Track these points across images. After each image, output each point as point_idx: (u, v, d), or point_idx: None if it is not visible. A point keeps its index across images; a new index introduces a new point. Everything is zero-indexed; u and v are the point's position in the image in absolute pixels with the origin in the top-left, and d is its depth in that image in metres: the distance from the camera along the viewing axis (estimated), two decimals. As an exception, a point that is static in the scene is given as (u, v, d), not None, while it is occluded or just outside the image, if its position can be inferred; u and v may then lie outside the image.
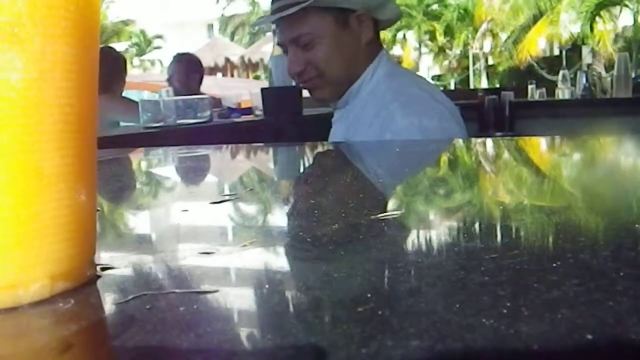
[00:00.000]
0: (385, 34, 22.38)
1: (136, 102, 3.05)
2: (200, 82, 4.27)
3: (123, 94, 3.71)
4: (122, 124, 3.28)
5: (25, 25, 0.31)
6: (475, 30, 23.80)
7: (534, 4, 20.25)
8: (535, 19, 20.63)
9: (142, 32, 31.31)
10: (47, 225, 0.33)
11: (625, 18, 20.76)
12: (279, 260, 0.43)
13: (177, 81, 4.08)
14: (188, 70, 4.19)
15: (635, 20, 19.59)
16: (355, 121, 1.61)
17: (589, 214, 0.52)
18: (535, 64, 19.77)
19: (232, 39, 29.65)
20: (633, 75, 4.40)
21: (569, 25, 20.08)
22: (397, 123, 1.49)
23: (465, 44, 24.70)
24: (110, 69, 3.41)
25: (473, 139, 1.33)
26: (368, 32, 1.64)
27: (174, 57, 4.36)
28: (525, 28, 20.87)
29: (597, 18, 18.79)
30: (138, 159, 1.38)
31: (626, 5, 19.60)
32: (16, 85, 0.31)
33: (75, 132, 0.34)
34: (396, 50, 26.10)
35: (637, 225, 0.43)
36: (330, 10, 1.60)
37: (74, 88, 0.33)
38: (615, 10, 20.40)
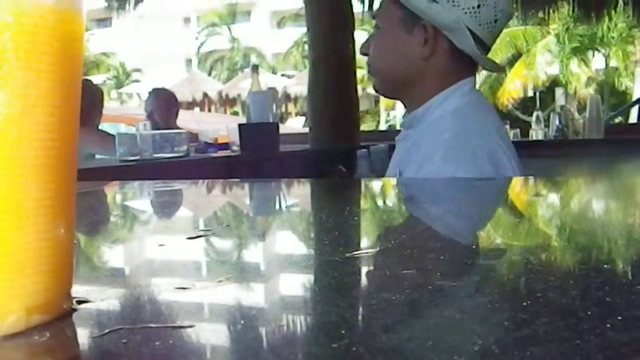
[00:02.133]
0: (362, 73, 22.57)
1: (112, 135, 3.04)
2: (176, 117, 4.29)
3: (100, 127, 3.71)
4: (97, 156, 3.27)
5: (9, 60, 0.31)
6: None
7: (512, 46, 20.54)
8: (512, 62, 20.94)
9: (122, 64, 31.34)
10: (24, 258, 0.33)
11: (598, 61, 21.16)
12: (254, 296, 0.43)
13: (154, 116, 4.09)
14: (164, 105, 4.20)
15: (606, 65, 19.96)
16: (411, 150, 1.53)
17: (559, 254, 0.53)
18: (510, 105, 20.03)
19: (210, 74, 29.73)
20: (605, 117, 4.47)
21: (543, 67, 20.41)
22: (434, 163, 1.41)
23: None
24: (88, 101, 3.39)
25: (447, 179, 1.34)
26: (438, 52, 1.53)
27: (150, 92, 4.38)
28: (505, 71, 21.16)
29: (571, 61, 19.11)
30: (114, 192, 1.38)
31: (598, 50, 19.98)
32: (-2, 119, 0.31)
33: (57, 167, 0.34)
34: (373, 89, 26.27)
35: (606, 266, 0.44)
36: (403, 8, 1.53)
37: (57, 123, 0.34)
38: (589, 54, 20.79)
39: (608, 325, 0.31)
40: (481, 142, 1.45)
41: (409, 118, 1.59)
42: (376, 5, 6.17)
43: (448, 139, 1.44)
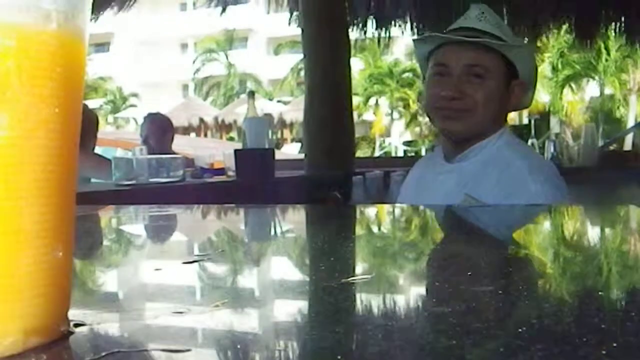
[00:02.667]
0: (357, 99, 22.66)
1: (108, 159, 3.04)
2: (172, 141, 4.29)
3: (96, 151, 3.71)
4: (93, 180, 3.27)
5: (12, 85, 0.32)
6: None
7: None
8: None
9: (119, 89, 31.42)
10: (22, 281, 0.33)
11: (592, 89, 21.26)
12: (250, 321, 0.43)
13: (150, 140, 4.09)
14: (160, 130, 4.21)
15: (601, 92, 20.06)
16: (474, 178, 1.65)
17: (554, 281, 0.54)
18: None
19: (206, 99, 29.82)
20: (599, 144, 4.49)
21: (538, 94, 20.50)
22: (529, 188, 1.57)
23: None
24: (83, 125, 3.40)
25: (442, 206, 1.34)
26: (515, 102, 1.77)
27: (146, 117, 4.39)
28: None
29: (565, 89, 19.21)
30: (109, 217, 1.38)
31: (593, 78, 20.08)
32: (0, 143, 0.32)
33: (56, 190, 0.34)
34: (368, 116, 26.41)
35: (600, 293, 0.45)
36: (508, 64, 1.70)
37: (57, 147, 0.34)
38: (583, 82, 20.89)
39: (603, 352, 0.31)
40: (540, 159, 1.77)
41: (466, 152, 1.72)
42: (370, 33, 6.21)
43: (533, 165, 1.65)
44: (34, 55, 0.33)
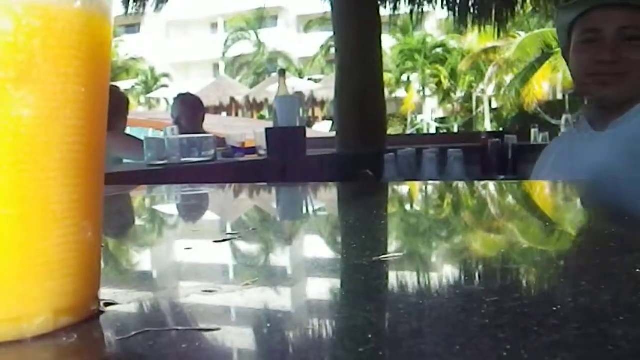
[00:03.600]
0: (388, 76, 22.56)
1: (139, 140, 3.07)
2: (203, 121, 4.31)
3: (128, 131, 3.73)
4: (125, 161, 3.30)
5: (38, 64, 0.32)
6: (480, 74, 23.97)
7: (539, 47, 20.41)
8: (540, 62, 20.78)
9: (150, 69, 31.58)
10: (52, 261, 0.33)
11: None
12: (280, 299, 0.43)
13: (181, 121, 4.11)
14: (191, 110, 4.23)
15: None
16: (634, 142, 1.58)
17: (590, 258, 0.53)
18: (538, 108, 19.88)
19: (237, 78, 29.86)
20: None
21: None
22: None
23: (470, 88, 24.88)
24: (114, 107, 3.42)
25: (477, 183, 1.33)
26: None
27: (176, 97, 4.41)
28: (530, 71, 21.00)
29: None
30: (142, 196, 1.39)
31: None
32: (27, 122, 0.32)
33: (84, 170, 0.34)
34: (400, 93, 26.29)
35: (637, 270, 0.44)
36: None
37: (84, 126, 0.34)
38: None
39: (640, 331, 0.31)
40: None
41: (626, 115, 1.63)
42: (402, 9, 6.16)
43: None
44: (59, 34, 0.32)
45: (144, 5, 6.11)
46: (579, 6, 1.70)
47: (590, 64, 1.65)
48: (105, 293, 0.40)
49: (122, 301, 0.40)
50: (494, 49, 22.37)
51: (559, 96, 20.55)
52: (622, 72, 1.61)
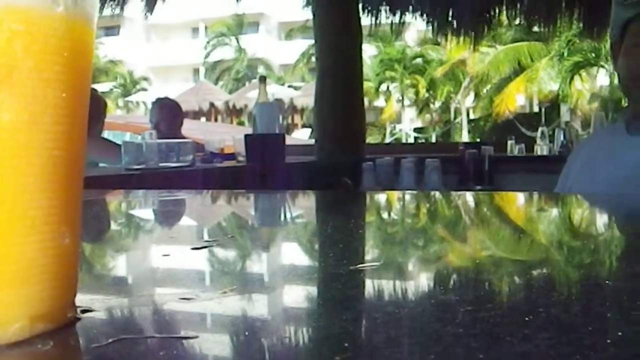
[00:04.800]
0: (368, 85, 22.65)
1: (116, 144, 3.05)
2: (181, 126, 4.30)
3: (105, 135, 3.72)
4: (101, 165, 3.27)
5: (19, 68, 0.31)
6: (458, 85, 24.14)
7: (515, 60, 20.57)
8: (517, 74, 20.96)
9: (129, 73, 31.42)
10: (29, 267, 0.33)
11: (602, 78, 21.14)
12: (258, 307, 0.43)
13: (160, 125, 4.10)
14: (170, 114, 4.21)
15: (611, 81, 19.93)
16: None
17: (562, 270, 0.53)
18: (515, 120, 20.03)
19: (217, 84, 29.79)
20: (609, 124, 4.48)
21: (548, 82, 20.42)
22: None
23: (448, 98, 25.03)
24: (91, 110, 3.40)
25: (453, 193, 1.34)
26: None
27: (155, 101, 4.40)
28: (506, 83, 21.18)
29: (575, 77, 19.12)
30: (118, 201, 1.38)
31: (602, 66, 19.96)
32: (6, 127, 0.31)
33: (63, 176, 0.34)
34: (379, 102, 26.37)
35: (607, 282, 0.44)
36: None
37: (64, 132, 0.34)
38: (593, 70, 20.77)
39: (608, 341, 0.31)
40: None
41: None
42: (383, 19, 6.18)
43: None
44: (42, 39, 0.32)
45: (123, 8, 6.08)
46: (637, 6, 1.65)
47: (639, 69, 1.62)
48: (82, 300, 0.39)
49: (99, 308, 0.39)
50: (472, 60, 22.53)
51: (535, 109, 20.70)
52: None
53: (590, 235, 0.78)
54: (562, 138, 4.38)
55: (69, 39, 0.34)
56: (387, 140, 24.00)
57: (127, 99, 29.04)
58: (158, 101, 4.37)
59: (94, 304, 0.40)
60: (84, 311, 0.38)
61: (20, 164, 0.32)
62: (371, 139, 22.16)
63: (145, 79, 31.53)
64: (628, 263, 0.54)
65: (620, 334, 0.32)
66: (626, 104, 1.74)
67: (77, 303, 0.38)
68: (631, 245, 0.67)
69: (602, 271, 0.52)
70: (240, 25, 31.55)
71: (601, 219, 0.97)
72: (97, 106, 3.59)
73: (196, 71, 34.22)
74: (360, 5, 4.84)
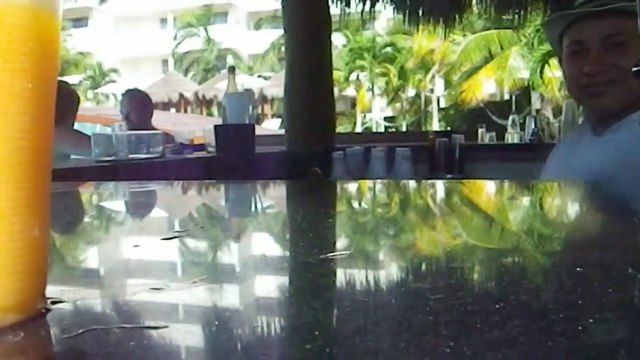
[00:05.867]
0: (338, 74, 22.65)
1: (87, 135, 3.02)
2: (151, 117, 4.27)
3: (75, 127, 3.68)
4: (72, 156, 3.24)
5: (-16, 60, 0.31)
6: (429, 73, 24.22)
7: (485, 48, 20.67)
8: (487, 62, 21.07)
9: (98, 64, 31.10)
10: (-2, 258, 0.33)
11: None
12: (228, 297, 0.43)
13: (130, 117, 4.07)
14: (140, 106, 4.18)
15: (581, 68, 20.06)
16: (626, 153, 1.55)
17: (532, 257, 0.54)
18: (485, 108, 20.14)
19: (186, 75, 29.60)
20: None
21: (518, 70, 20.54)
22: None
23: (418, 87, 25.10)
24: (63, 102, 3.36)
25: (424, 182, 1.35)
26: None
27: (125, 93, 4.37)
28: (476, 71, 21.29)
29: (544, 65, 19.25)
30: (89, 193, 1.37)
31: (573, 54, 20.08)
32: (-28, 118, 0.31)
33: (31, 166, 0.34)
34: (349, 91, 26.37)
35: (578, 269, 0.45)
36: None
37: (31, 122, 0.34)
38: (563, 57, 20.88)
39: (579, 328, 0.32)
40: None
41: (619, 124, 1.62)
42: (352, 8, 6.17)
43: None
44: (6, 29, 0.32)
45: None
46: (562, 19, 1.71)
47: (579, 76, 1.66)
48: (52, 291, 0.39)
49: (69, 299, 0.39)
50: (442, 49, 22.61)
51: (506, 96, 20.83)
52: (613, 80, 1.61)
53: (560, 222, 0.79)
54: (532, 126, 4.40)
55: (34, 29, 0.34)
56: (358, 129, 24.03)
57: (96, 91, 28.75)
58: (128, 92, 4.34)
59: (65, 295, 0.40)
60: (55, 302, 0.38)
61: (-13, 156, 0.32)
62: (341, 128, 22.19)
63: (115, 70, 31.22)
64: (599, 250, 0.55)
65: (591, 320, 0.33)
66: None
67: (48, 294, 0.38)
68: (601, 233, 0.68)
69: (573, 258, 0.53)
70: (209, 15, 31.37)
71: (572, 207, 0.98)
72: (69, 99, 3.55)
73: (165, 62, 33.97)
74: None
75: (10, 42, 0.32)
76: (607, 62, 1.61)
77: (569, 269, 0.47)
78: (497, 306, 0.36)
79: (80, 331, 0.33)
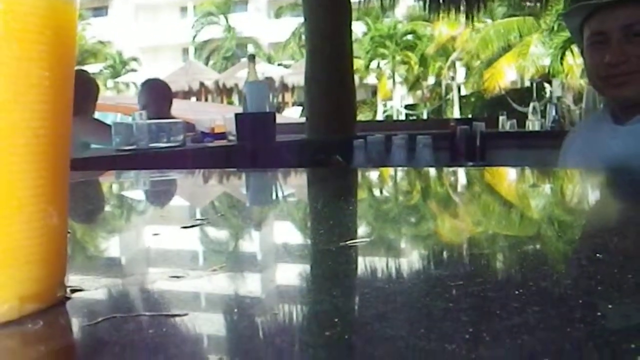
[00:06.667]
0: (358, 62, 22.57)
1: (107, 125, 3.03)
2: (170, 107, 4.25)
3: (95, 116, 3.69)
4: (93, 146, 3.26)
5: (1, 48, 0.31)
6: (449, 61, 24.08)
7: (506, 35, 20.51)
8: (508, 50, 20.89)
9: (118, 53, 31.20)
10: (17, 247, 0.33)
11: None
12: (248, 284, 0.43)
13: (149, 107, 4.05)
14: (158, 96, 4.15)
15: (603, 55, 19.84)
16: None
17: (552, 243, 0.53)
18: (506, 96, 19.99)
19: (206, 63, 29.62)
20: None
21: (539, 58, 20.34)
22: None
23: (439, 74, 24.96)
24: (82, 91, 3.38)
25: (445, 169, 1.34)
26: None
27: (143, 83, 4.32)
28: (497, 58, 21.12)
29: (567, 52, 19.06)
30: (109, 182, 1.38)
31: (595, 40, 19.86)
32: (-10, 107, 0.31)
33: (49, 155, 0.34)
34: (370, 79, 26.28)
35: (597, 255, 0.44)
36: None
37: (48, 111, 0.34)
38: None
39: (599, 314, 0.31)
40: None
41: None
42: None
43: None
44: (23, 17, 0.32)
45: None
46: (582, 10, 1.69)
47: (600, 66, 1.64)
48: (71, 279, 0.39)
49: (88, 287, 0.39)
50: (463, 36, 22.45)
51: (527, 83, 20.66)
52: (634, 70, 1.59)
53: (581, 210, 0.79)
54: (553, 113, 4.36)
55: (51, 17, 0.34)
56: (379, 117, 23.93)
57: (116, 80, 28.85)
58: (146, 83, 4.30)
59: (84, 284, 0.40)
60: (74, 290, 0.38)
61: (5, 144, 0.32)
62: (362, 116, 22.10)
63: (135, 59, 31.31)
64: (619, 237, 0.54)
65: (610, 306, 0.33)
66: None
67: (67, 283, 0.38)
68: (622, 220, 0.67)
69: (593, 245, 0.52)
70: (229, 3, 31.35)
71: (592, 194, 0.97)
72: (88, 87, 3.57)
73: (185, 51, 33.99)
74: (349, -18, 4.80)
75: (26, 30, 0.32)
76: (628, 52, 1.59)
77: (589, 255, 0.47)
78: (517, 292, 0.35)
79: (100, 319, 0.33)
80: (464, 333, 0.29)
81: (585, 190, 1.01)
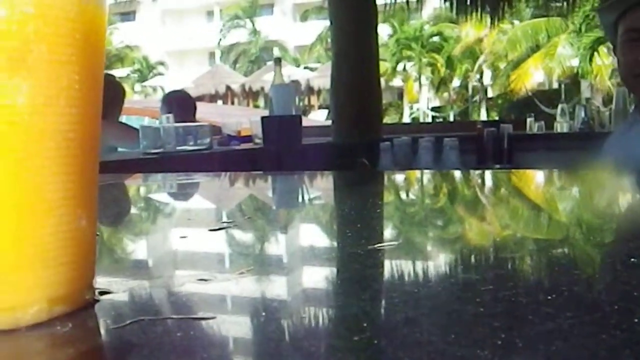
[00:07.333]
0: (385, 65, 22.53)
1: (134, 128, 3.05)
2: (194, 114, 4.18)
3: (123, 120, 3.71)
4: (119, 149, 3.28)
5: (33, 52, 0.31)
6: (476, 63, 23.96)
7: (533, 36, 20.37)
8: (535, 51, 20.75)
9: (145, 58, 31.45)
10: (47, 249, 0.33)
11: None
12: (275, 288, 0.43)
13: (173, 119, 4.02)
14: (179, 109, 4.10)
15: (633, 56, 19.62)
16: None
17: (585, 248, 0.53)
18: (534, 97, 19.85)
19: (233, 67, 29.74)
20: (631, 109, 4.42)
21: (567, 58, 20.18)
22: None
23: (465, 76, 24.84)
24: (110, 95, 3.40)
25: (472, 172, 1.33)
26: None
27: (164, 97, 4.26)
28: (524, 60, 20.99)
29: (595, 53, 18.89)
30: (137, 185, 1.38)
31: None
32: (21, 110, 0.31)
33: (78, 158, 0.34)
34: (396, 82, 26.23)
35: (632, 260, 0.44)
36: None
37: (78, 114, 0.34)
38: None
39: (635, 320, 0.31)
40: None
41: None
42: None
43: None
44: (53, 21, 0.32)
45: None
46: (616, 6, 1.67)
47: (634, 64, 1.62)
48: (100, 282, 0.39)
49: (116, 290, 0.39)
50: (490, 37, 22.34)
51: (555, 85, 20.49)
52: None
53: (613, 212, 0.77)
54: (582, 115, 4.32)
55: (81, 21, 0.34)
56: (405, 120, 23.89)
57: (144, 84, 29.07)
58: (168, 95, 4.22)
59: (112, 286, 0.40)
60: (102, 293, 0.38)
61: (35, 148, 0.32)
62: (389, 119, 22.08)
63: (162, 63, 31.53)
64: (650, 239, 0.53)
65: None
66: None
67: (96, 285, 0.38)
68: (653, 221, 0.66)
69: (627, 249, 0.52)
70: (255, 7, 31.46)
71: (625, 197, 0.96)
72: (115, 91, 3.59)
73: (212, 54, 34.17)
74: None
75: (57, 34, 0.32)
76: None
77: (623, 259, 0.46)
78: (549, 297, 0.35)
79: (128, 322, 0.33)
80: (495, 339, 0.29)
81: (618, 193, 0.99)
